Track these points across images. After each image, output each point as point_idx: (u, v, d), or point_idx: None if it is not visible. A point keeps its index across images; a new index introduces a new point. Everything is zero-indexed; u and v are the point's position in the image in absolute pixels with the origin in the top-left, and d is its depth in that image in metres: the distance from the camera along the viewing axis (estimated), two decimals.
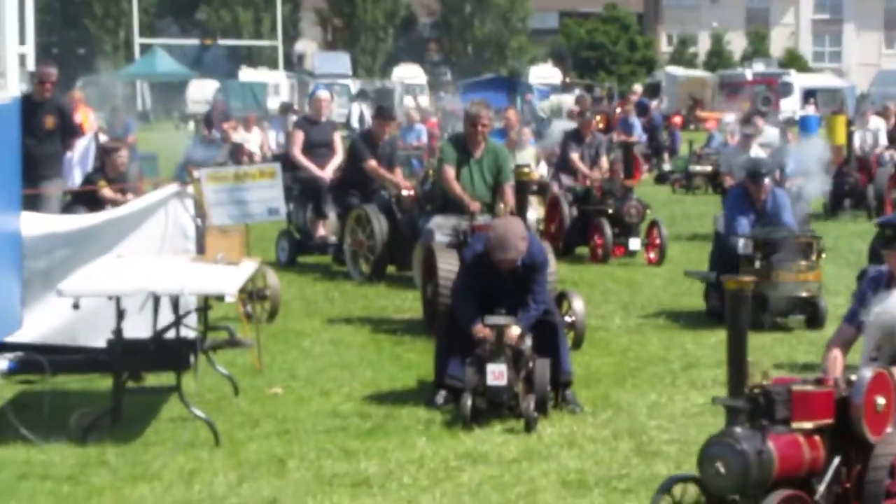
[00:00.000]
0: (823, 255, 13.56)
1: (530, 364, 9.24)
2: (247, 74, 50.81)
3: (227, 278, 10.16)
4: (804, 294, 12.96)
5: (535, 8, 75.43)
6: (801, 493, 6.22)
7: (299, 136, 17.92)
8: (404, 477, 7.43)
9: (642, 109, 31.34)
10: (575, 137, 18.88)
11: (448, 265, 11.85)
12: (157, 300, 9.51)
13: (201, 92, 42.97)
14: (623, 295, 15.89)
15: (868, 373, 6.57)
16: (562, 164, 18.76)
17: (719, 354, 10.52)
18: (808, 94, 43.68)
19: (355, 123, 33.09)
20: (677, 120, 33.00)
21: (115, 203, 13.44)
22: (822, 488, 6.30)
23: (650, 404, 10.03)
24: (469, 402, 8.73)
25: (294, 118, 23.72)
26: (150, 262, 11.01)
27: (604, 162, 18.66)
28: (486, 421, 8.70)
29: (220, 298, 10.65)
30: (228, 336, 11.02)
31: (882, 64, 71.20)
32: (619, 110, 28.74)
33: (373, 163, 15.99)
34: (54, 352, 10.11)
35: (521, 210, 11.81)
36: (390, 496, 7.11)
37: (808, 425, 6.36)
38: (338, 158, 17.70)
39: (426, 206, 14.27)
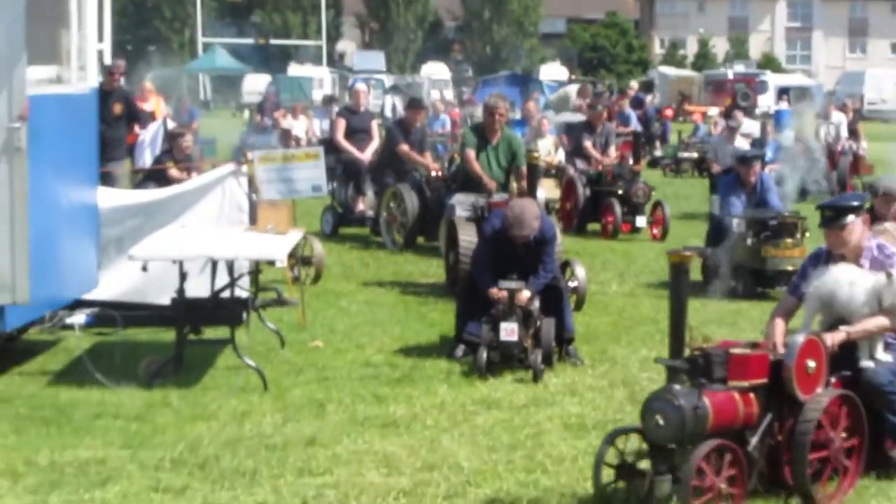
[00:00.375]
0: (808, 234, 13.42)
1: (538, 323, 9.49)
2: (295, 70, 52.53)
3: (276, 246, 10.32)
4: (790, 268, 12.71)
5: (545, 14, 79.29)
6: (731, 443, 6.25)
7: (341, 124, 18.23)
8: (427, 419, 7.63)
9: (638, 103, 32.06)
10: (588, 128, 19.32)
11: (468, 236, 11.96)
12: (214, 264, 9.75)
13: (255, 84, 44.69)
14: (620, 265, 15.93)
15: (800, 338, 6.56)
16: (576, 151, 19.01)
17: (702, 317, 10.41)
18: (782, 92, 44.26)
19: (388, 113, 34.21)
20: (668, 113, 34.16)
21: (180, 181, 13.66)
22: (754, 440, 6.41)
23: (642, 359, 10.06)
24: (484, 356, 8.97)
25: (336, 108, 24.05)
26: (209, 232, 11.13)
27: (612, 150, 19.21)
28: (499, 372, 8.93)
29: (271, 263, 10.90)
30: (277, 296, 11.30)
31: (846, 66, 74.35)
32: (616, 104, 28.97)
33: (405, 147, 16.29)
34: (126, 308, 10.41)
35: (531, 190, 11.76)
36: (415, 436, 7.28)
37: (743, 384, 6.44)
38: (375, 143, 18.01)
39: (451, 185, 14.43)
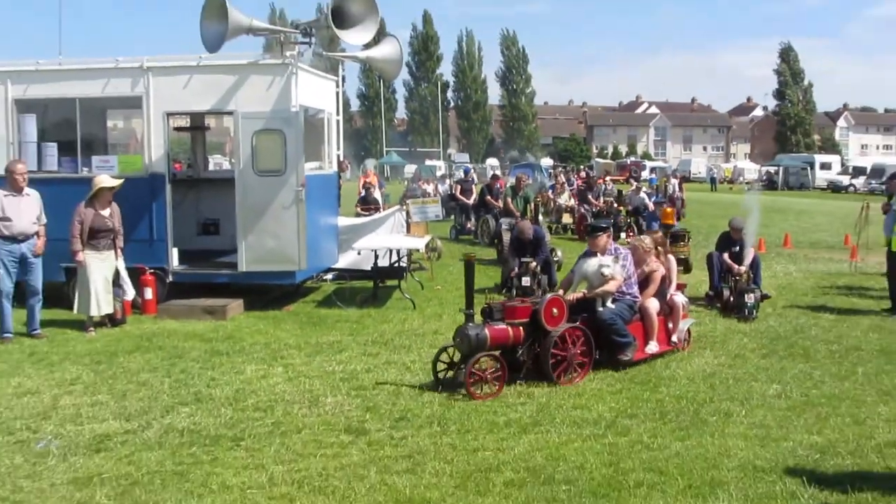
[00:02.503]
0: (690, 240, 17.16)
1: (539, 278, 12.88)
2: (428, 161, 67.16)
3: (418, 242, 14.23)
4: (682, 257, 15.48)
5: (542, 136, 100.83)
6: (497, 354, 7.98)
7: (457, 186, 24.65)
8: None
9: (586, 176, 38.31)
10: (590, 189, 25.16)
11: (507, 238, 15.51)
12: (390, 251, 13.48)
13: (410, 169, 59.57)
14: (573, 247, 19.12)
15: (549, 296, 8.56)
16: (584, 199, 24.25)
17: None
18: (652, 170, 61.09)
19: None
20: (600, 181, 37.24)
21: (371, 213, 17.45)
22: (521, 350, 8.22)
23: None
24: (514, 292, 12.36)
25: (448, 180, 31.62)
26: (388, 236, 14.77)
27: (601, 199, 24.07)
28: None
29: (417, 250, 14.53)
30: (419, 265, 14.98)
31: (682, 157, 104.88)
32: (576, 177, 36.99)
33: (489, 197, 21.35)
34: (350, 272, 14.01)
35: (535, 217, 16.33)
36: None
37: (514, 321, 8.23)
38: (474, 195, 23.37)
39: (500, 215, 18.95)
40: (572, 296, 8.83)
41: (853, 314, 12.32)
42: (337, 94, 14.41)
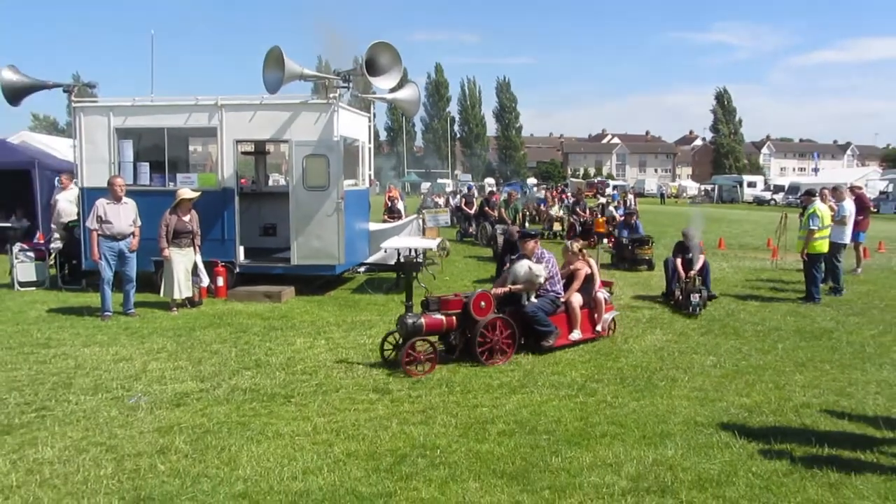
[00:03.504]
0: (654, 243, 17.02)
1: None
2: (440, 180, 66.88)
3: (431, 243, 14.32)
4: (646, 258, 16.11)
5: (528, 160, 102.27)
6: (431, 339, 7.58)
7: (462, 200, 24.01)
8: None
9: (563, 192, 39.50)
10: (578, 203, 23.96)
11: (500, 240, 15.48)
12: (409, 250, 13.53)
13: (425, 186, 58.67)
14: (557, 248, 18.66)
15: (478, 291, 8.03)
16: (574, 211, 23.35)
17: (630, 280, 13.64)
18: (614, 187, 59.20)
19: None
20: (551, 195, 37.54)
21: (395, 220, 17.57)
22: (454, 335, 7.91)
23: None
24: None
25: (457, 195, 30.09)
26: (408, 239, 14.83)
27: (587, 212, 22.86)
28: None
29: (430, 249, 14.54)
30: (432, 261, 14.91)
31: (637, 178, 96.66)
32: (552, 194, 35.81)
33: (486, 208, 21.02)
34: (378, 265, 14.00)
35: (523, 223, 16.55)
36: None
37: (448, 312, 7.90)
38: (475, 206, 23.12)
39: (496, 223, 18.74)
40: (500, 290, 8.44)
41: (774, 301, 12.29)
42: (369, 126, 14.47)
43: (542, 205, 26.68)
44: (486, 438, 5.73)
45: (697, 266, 11.89)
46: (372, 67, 12.11)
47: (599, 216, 22.59)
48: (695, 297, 11.04)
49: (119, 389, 7.01)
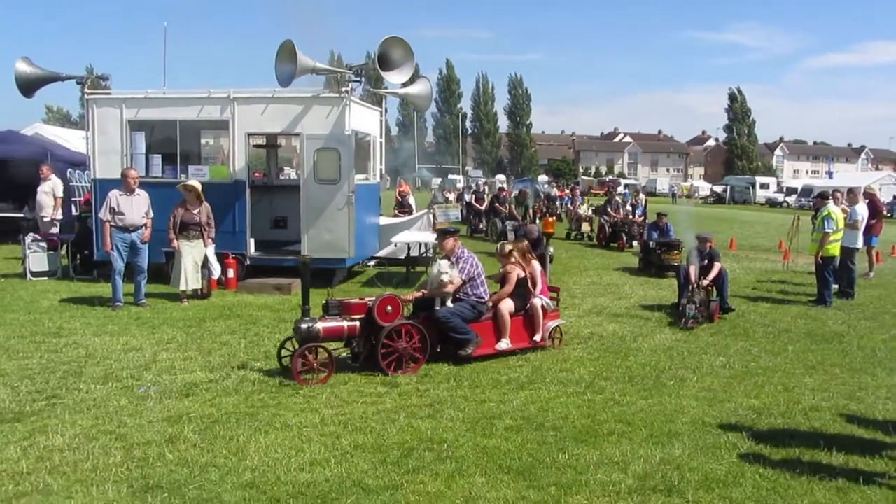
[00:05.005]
0: (683, 249, 14.93)
1: (544, 262, 12.22)
2: (451, 176, 65.43)
3: None
4: (674, 263, 14.33)
5: (540, 158, 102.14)
6: (324, 346, 6.97)
7: (472, 196, 23.85)
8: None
9: (574, 190, 38.14)
10: (610, 203, 21.96)
11: (511, 236, 15.63)
12: (420, 244, 13.76)
13: (436, 181, 56.04)
14: (583, 250, 19.17)
15: (384, 294, 7.47)
16: (604, 212, 21.69)
17: (604, 283, 13.98)
18: (626, 185, 58.01)
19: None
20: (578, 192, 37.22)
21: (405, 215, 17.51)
22: (356, 342, 7.34)
23: (584, 282, 13.53)
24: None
25: (468, 191, 29.59)
26: (418, 233, 15.00)
27: (619, 212, 21.22)
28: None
29: None
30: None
31: (649, 177, 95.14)
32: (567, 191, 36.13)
33: (497, 204, 20.87)
34: (388, 259, 14.23)
35: (533, 220, 16.37)
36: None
37: (352, 316, 7.33)
38: (486, 202, 22.95)
39: (507, 218, 18.86)
40: (411, 295, 7.97)
41: (785, 304, 12.25)
42: (380, 121, 14.47)
43: (570, 204, 25.98)
44: (493, 433, 5.73)
45: (712, 274, 10.73)
46: (384, 62, 12.12)
47: (632, 215, 21.22)
48: (690, 309, 9.92)
49: (129, 379, 7.05)
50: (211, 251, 11.25)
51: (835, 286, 12.55)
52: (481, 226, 22.85)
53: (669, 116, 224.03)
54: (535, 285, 8.55)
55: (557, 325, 8.67)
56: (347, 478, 4.89)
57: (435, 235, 13.91)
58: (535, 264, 8.75)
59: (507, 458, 5.25)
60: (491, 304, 8.15)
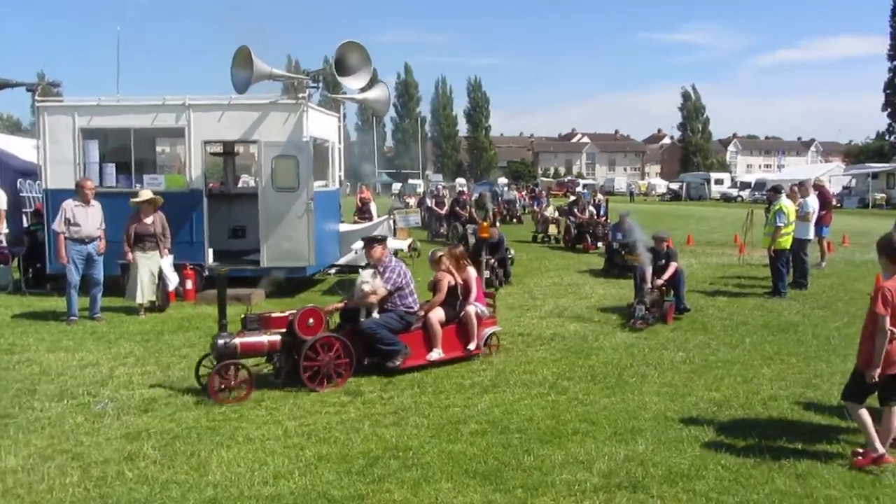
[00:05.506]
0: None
1: (496, 271, 13.15)
2: (411, 180, 63.37)
3: (402, 243, 14.49)
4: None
5: (499, 160, 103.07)
6: (239, 361, 6.69)
7: (433, 201, 23.66)
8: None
9: (533, 191, 39.39)
10: (576, 204, 22.07)
11: (472, 240, 15.44)
12: None
13: (396, 186, 57.24)
14: (546, 252, 19.38)
15: (306, 306, 7.09)
16: (571, 213, 21.72)
17: (578, 285, 14.06)
18: (585, 186, 58.83)
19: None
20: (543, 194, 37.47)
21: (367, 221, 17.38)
22: (277, 357, 7.04)
23: (545, 284, 13.67)
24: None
25: (429, 196, 28.90)
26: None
27: (586, 212, 21.37)
28: None
29: (401, 249, 14.48)
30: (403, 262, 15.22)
31: (607, 177, 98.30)
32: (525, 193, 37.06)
33: (457, 208, 21.24)
34: (349, 267, 13.73)
35: (493, 223, 16.34)
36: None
37: (274, 332, 6.97)
38: (447, 206, 22.86)
39: (467, 222, 18.96)
40: (332, 306, 7.72)
41: (741, 297, 12.43)
42: (339, 127, 14.42)
43: (536, 206, 25.88)
44: (458, 439, 5.73)
45: (666, 274, 10.63)
46: (342, 67, 12.17)
47: (595, 216, 21.18)
48: (640, 309, 9.73)
49: (85, 395, 6.89)
50: (168, 262, 11.07)
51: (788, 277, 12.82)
52: (442, 230, 22.85)
53: (626, 116, 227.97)
54: (469, 292, 8.26)
55: (494, 332, 8.42)
56: (312, 489, 4.84)
57: (395, 242, 14.34)
58: (471, 270, 8.48)
59: (473, 463, 5.25)
60: (422, 313, 7.90)
